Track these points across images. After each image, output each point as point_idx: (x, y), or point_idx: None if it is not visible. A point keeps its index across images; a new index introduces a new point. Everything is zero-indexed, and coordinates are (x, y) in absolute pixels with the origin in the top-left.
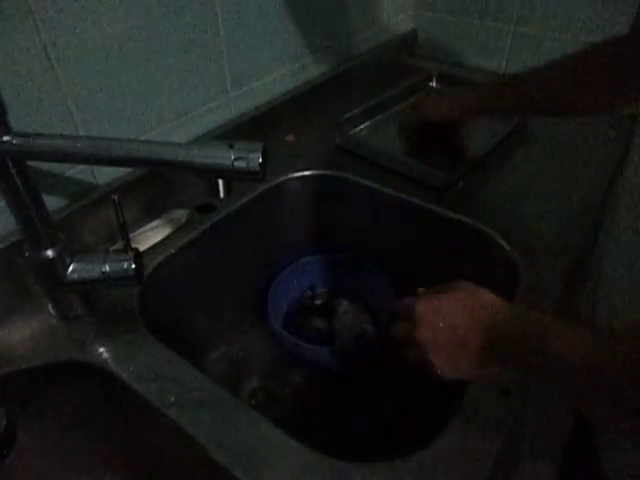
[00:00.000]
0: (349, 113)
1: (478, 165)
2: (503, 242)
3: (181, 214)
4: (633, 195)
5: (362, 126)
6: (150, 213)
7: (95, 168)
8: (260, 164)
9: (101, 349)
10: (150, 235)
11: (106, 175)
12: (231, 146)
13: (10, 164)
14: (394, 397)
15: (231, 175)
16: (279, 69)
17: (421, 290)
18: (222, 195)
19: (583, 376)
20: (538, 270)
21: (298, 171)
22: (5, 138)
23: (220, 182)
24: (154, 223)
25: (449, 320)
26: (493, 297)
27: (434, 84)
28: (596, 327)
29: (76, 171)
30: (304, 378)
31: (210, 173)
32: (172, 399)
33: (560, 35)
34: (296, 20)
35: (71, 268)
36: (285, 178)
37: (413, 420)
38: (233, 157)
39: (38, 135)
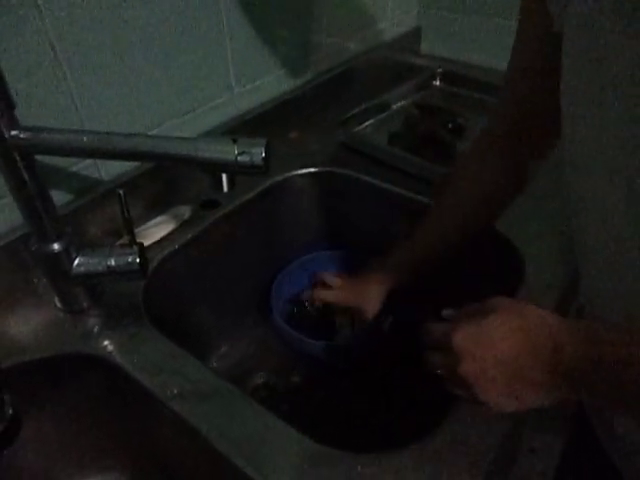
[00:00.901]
0: (353, 111)
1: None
2: (506, 237)
3: (185, 210)
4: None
5: (366, 124)
6: (154, 209)
7: (100, 163)
8: (263, 159)
9: (106, 342)
10: (155, 230)
11: (111, 170)
12: (235, 141)
13: (18, 158)
14: (395, 390)
15: (235, 169)
16: (283, 67)
17: (448, 313)
18: (226, 189)
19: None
20: (542, 266)
21: (302, 168)
22: (13, 132)
23: (224, 177)
24: (159, 219)
25: (498, 349)
26: (545, 313)
27: (438, 83)
28: None
29: (82, 166)
30: (307, 373)
31: (214, 167)
32: (175, 391)
33: None
34: (300, 18)
35: (77, 262)
36: (289, 175)
37: (414, 413)
38: (237, 152)
39: (45, 129)
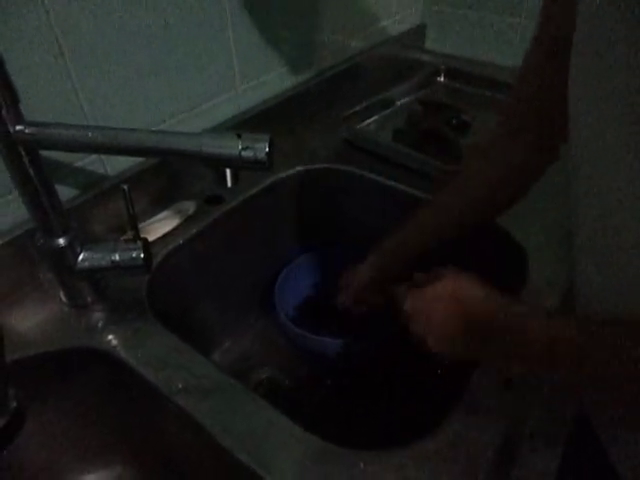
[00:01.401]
0: (356, 107)
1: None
2: (511, 234)
3: (189, 205)
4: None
5: (370, 120)
6: (159, 204)
7: (106, 159)
8: (267, 154)
9: (110, 336)
10: (159, 226)
11: (117, 166)
12: (239, 136)
13: (23, 153)
14: (397, 388)
15: (238, 165)
16: (287, 63)
17: (413, 279)
18: (229, 184)
19: (569, 365)
20: (545, 262)
21: (305, 164)
22: (18, 127)
23: (227, 172)
24: (163, 214)
25: (432, 316)
26: (473, 286)
27: (442, 79)
28: (585, 315)
29: (87, 161)
30: (310, 369)
31: (218, 162)
32: (180, 386)
33: None
34: (305, 15)
35: (81, 256)
36: (293, 171)
37: (415, 410)
38: (240, 147)
39: (50, 124)
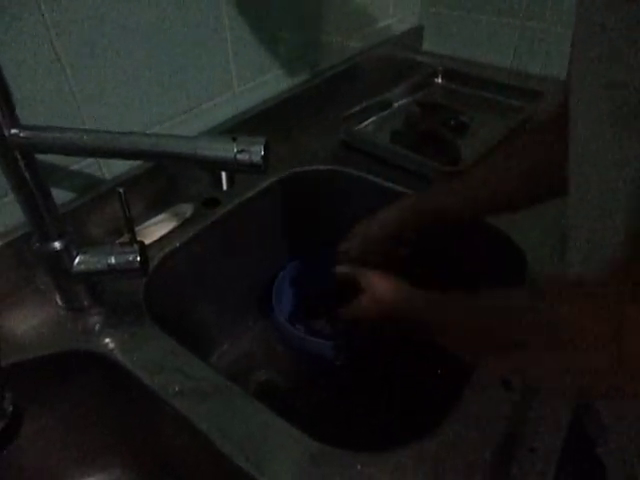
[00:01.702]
0: (354, 109)
1: (483, 160)
2: (511, 236)
3: (186, 208)
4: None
5: (367, 122)
6: (156, 207)
7: (102, 162)
8: (262, 157)
9: (107, 339)
10: (155, 229)
11: (113, 169)
12: (234, 139)
13: (19, 157)
14: (395, 389)
15: (234, 168)
16: (284, 64)
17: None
18: (225, 187)
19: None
20: (544, 263)
21: (303, 166)
22: (13, 131)
23: (223, 175)
24: (159, 217)
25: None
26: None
27: (439, 80)
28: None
29: (83, 165)
30: (307, 371)
31: (213, 165)
32: (177, 389)
33: (568, 30)
34: (302, 16)
35: (78, 260)
36: (290, 173)
37: (414, 411)
38: (236, 150)
39: (46, 128)
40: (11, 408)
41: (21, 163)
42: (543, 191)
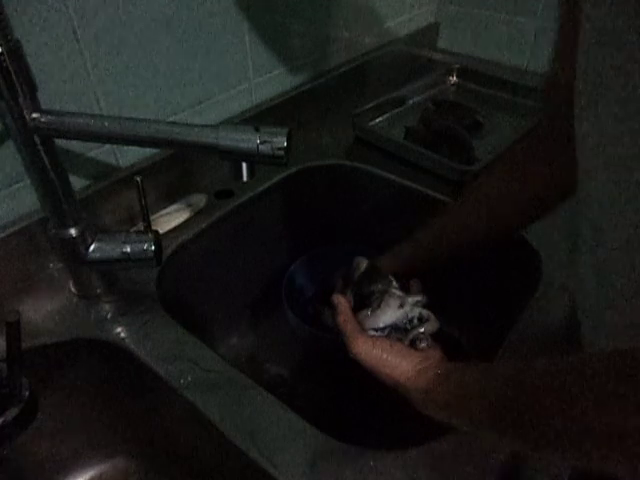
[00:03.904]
0: (368, 105)
1: (497, 159)
2: (523, 237)
3: (199, 199)
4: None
5: (380, 118)
6: (169, 197)
7: (117, 150)
8: (284, 149)
9: (119, 328)
10: (169, 218)
11: (128, 157)
12: (257, 129)
13: (38, 141)
14: None
15: (255, 159)
16: (300, 58)
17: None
18: (245, 178)
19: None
20: (558, 265)
21: (316, 160)
22: (34, 115)
23: (244, 165)
24: (173, 207)
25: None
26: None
27: (454, 79)
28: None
29: (99, 152)
30: (319, 366)
31: (234, 156)
32: (189, 379)
33: None
34: (319, 10)
35: (92, 247)
36: (302, 167)
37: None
38: (258, 141)
39: (66, 113)
40: (27, 394)
41: (40, 147)
42: (556, 198)
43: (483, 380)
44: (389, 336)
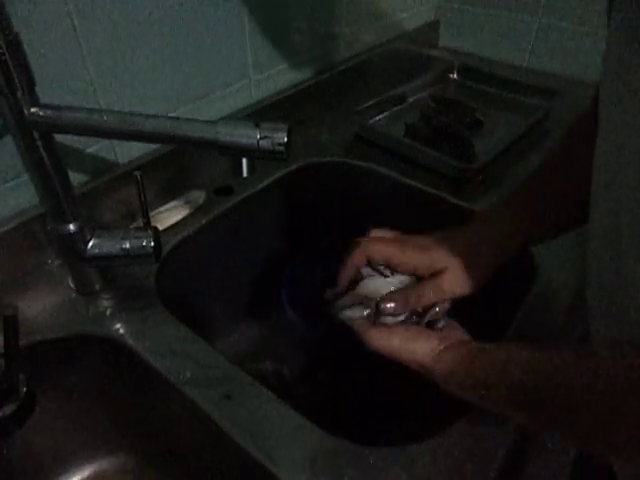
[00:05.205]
0: (369, 102)
1: (497, 158)
2: None
3: (199, 195)
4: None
5: (381, 116)
6: (168, 193)
7: (117, 146)
8: (285, 144)
9: (118, 324)
10: (168, 215)
11: (127, 153)
12: (257, 125)
13: (37, 136)
14: (409, 383)
15: (255, 154)
16: (300, 55)
17: None
18: (245, 174)
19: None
20: (555, 263)
21: (316, 157)
22: (33, 109)
23: (244, 161)
24: (172, 203)
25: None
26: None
27: (454, 76)
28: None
29: (98, 148)
30: (319, 363)
31: (235, 151)
32: (188, 374)
33: (587, 28)
34: (319, 7)
35: (91, 243)
36: (303, 164)
37: (427, 407)
38: (259, 136)
39: (65, 107)
40: (25, 390)
41: (39, 142)
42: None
43: (509, 366)
44: (406, 321)
